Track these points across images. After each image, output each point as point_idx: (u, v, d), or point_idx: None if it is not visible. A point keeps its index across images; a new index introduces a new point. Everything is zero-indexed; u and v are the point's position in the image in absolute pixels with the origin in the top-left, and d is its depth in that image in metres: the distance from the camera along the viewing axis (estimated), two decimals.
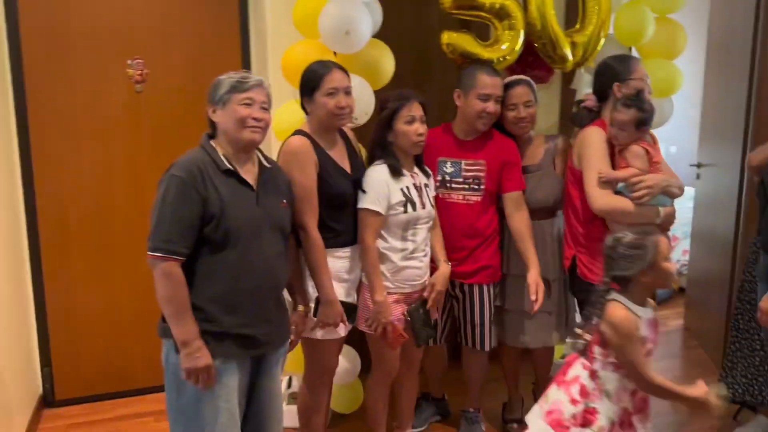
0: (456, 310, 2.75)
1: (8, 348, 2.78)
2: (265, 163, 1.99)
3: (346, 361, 2.80)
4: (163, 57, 3.13)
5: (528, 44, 2.79)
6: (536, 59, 3.12)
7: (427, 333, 2.50)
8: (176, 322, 1.78)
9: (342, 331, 2.33)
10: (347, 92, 2.24)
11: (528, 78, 2.68)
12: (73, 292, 3.16)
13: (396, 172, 2.34)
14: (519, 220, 2.58)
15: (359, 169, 2.38)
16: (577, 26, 2.86)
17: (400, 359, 2.54)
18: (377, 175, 2.34)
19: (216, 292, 1.82)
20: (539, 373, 2.98)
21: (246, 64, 3.26)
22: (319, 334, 2.28)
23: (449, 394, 3.12)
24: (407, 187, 2.37)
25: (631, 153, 2.36)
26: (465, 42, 2.67)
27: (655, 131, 3.33)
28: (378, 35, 2.70)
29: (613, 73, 2.47)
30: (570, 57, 2.84)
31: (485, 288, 2.66)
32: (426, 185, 2.48)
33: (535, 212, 2.66)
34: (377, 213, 2.29)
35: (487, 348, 2.74)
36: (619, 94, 2.44)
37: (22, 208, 3.05)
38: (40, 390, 3.22)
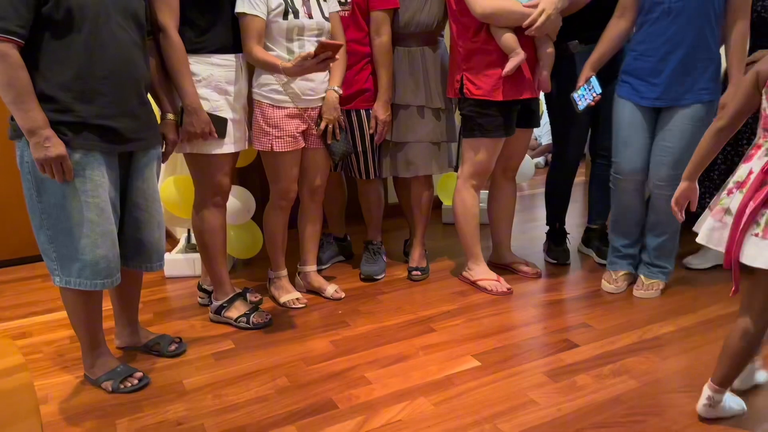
0: None
1: None
2: None
3: (239, 201, 2.72)
4: None
5: None
6: None
7: (341, 148, 2.42)
8: (19, 108, 1.62)
9: (230, 147, 2.21)
10: None
11: None
12: None
13: None
14: (376, 46, 2.50)
15: None
16: None
17: (302, 187, 2.47)
18: None
19: (66, 78, 1.68)
20: (415, 208, 2.79)
21: None
22: (197, 147, 2.15)
23: (351, 238, 3.08)
24: None
25: None
26: None
27: None
28: None
29: None
30: None
31: (363, 114, 2.57)
32: None
33: (418, 37, 2.57)
34: (255, 16, 2.16)
35: (372, 176, 2.68)
36: None
37: None
38: None
